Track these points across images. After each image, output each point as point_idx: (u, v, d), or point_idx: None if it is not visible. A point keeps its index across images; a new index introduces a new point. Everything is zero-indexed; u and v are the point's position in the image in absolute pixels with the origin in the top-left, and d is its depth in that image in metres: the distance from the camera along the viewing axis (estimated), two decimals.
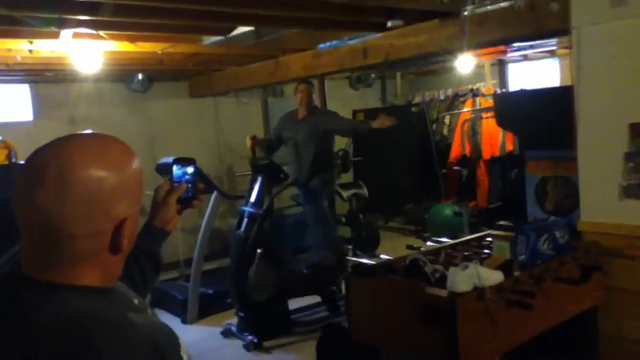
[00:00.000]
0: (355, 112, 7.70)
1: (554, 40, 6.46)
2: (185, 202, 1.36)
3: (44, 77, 5.37)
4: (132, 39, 3.76)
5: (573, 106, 3.12)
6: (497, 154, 6.57)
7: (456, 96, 7.48)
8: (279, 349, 4.02)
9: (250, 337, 4.04)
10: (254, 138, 4.72)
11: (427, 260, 2.67)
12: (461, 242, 3.29)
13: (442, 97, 7.66)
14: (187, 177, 1.39)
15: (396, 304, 2.54)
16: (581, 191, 3.17)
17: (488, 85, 7.06)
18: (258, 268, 4.06)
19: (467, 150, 7.01)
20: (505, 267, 2.58)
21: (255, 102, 7.23)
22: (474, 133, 7.03)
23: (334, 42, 4.58)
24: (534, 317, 2.52)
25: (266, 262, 4.10)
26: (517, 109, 3.75)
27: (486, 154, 6.84)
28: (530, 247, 2.71)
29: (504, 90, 7.15)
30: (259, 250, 4.08)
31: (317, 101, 4.79)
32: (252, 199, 4.19)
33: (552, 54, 7.31)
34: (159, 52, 4.27)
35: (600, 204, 3.10)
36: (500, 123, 4.14)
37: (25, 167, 0.90)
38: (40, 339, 0.82)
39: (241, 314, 4.19)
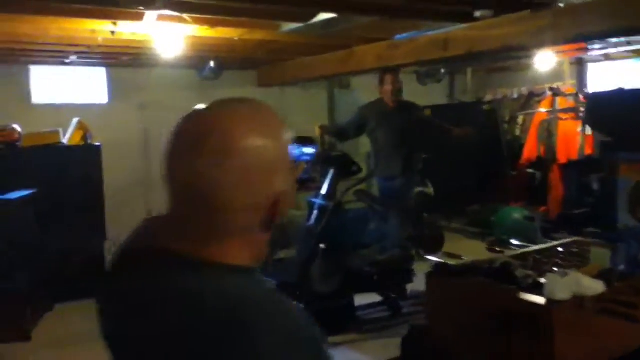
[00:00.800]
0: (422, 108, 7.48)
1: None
2: (301, 184, 1.27)
3: (120, 62, 5.46)
4: (213, 24, 3.74)
5: None
6: (574, 157, 6.24)
7: (531, 95, 7.16)
8: (344, 345, 3.93)
9: None
10: (322, 127, 4.65)
11: (518, 265, 2.52)
12: (547, 248, 3.09)
13: (515, 96, 7.35)
14: (305, 157, 1.29)
15: (481, 308, 2.40)
16: None
17: (567, 85, 6.72)
18: (324, 260, 3.98)
19: (542, 153, 6.71)
20: (603, 277, 2.39)
21: (321, 93, 7.15)
22: (549, 135, 6.70)
23: (412, 33, 4.43)
24: (634, 330, 2.33)
25: (332, 255, 4.02)
26: (611, 109, 3.51)
27: (561, 158, 6.51)
28: (630, 257, 2.51)
29: (585, 89, 6.78)
30: (321, 246, 4.00)
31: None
32: (323, 191, 4.11)
33: (637, 53, 6.88)
34: (236, 38, 4.24)
35: None
36: (591, 124, 3.89)
37: (181, 132, 0.84)
38: (193, 321, 0.76)
39: (305, 307, 4.13)
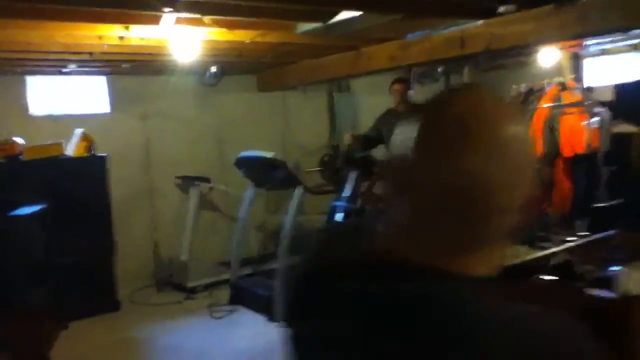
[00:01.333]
0: None
1: (638, 32, 6.14)
2: None
3: (121, 69, 5.30)
4: (231, 26, 3.62)
5: None
6: (580, 151, 6.23)
7: (530, 91, 7.16)
8: None
9: None
10: (354, 136, 4.67)
11: (576, 261, 2.45)
12: (590, 241, 3.04)
13: (513, 93, 7.34)
14: None
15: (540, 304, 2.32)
16: None
17: (568, 80, 6.72)
18: None
19: (545, 148, 6.69)
20: None
21: (321, 97, 7.06)
22: (551, 130, 6.71)
23: (426, 31, 4.36)
24: None
25: None
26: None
27: (566, 152, 6.51)
28: None
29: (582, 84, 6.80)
30: None
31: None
32: (346, 193, 4.02)
33: (635, 47, 6.94)
34: (247, 41, 4.12)
35: None
36: (620, 114, 3.86)
37: (433, 124, 0.72)
38: (444, 335, 0.66)
39: None
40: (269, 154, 4.63)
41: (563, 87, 5.73)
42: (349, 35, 4.23)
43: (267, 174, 4.77)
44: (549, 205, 6.79)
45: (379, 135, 4.76)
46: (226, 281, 5.45)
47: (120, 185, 5.29)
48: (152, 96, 5.81)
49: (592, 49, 7.05)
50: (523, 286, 2.42)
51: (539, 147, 6.74)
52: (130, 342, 4.40)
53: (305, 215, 6.35)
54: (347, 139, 4.53)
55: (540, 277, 2.44)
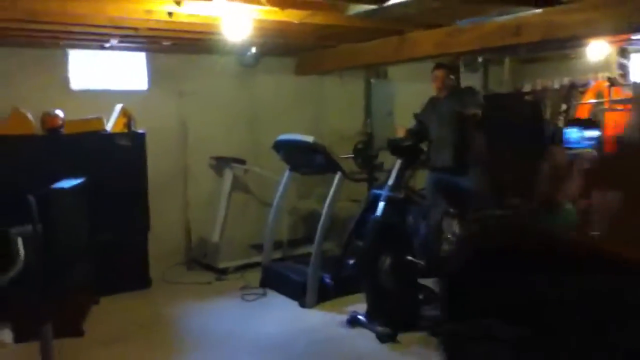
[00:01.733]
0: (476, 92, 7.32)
1: None
2: None
3: (161, 47, 5.25)
4: (284, 5, 3.54)
5: None
6: None
7: (573, 86, 6.98)
8: (416, 344, 3.77)
9: (381, 328, 3.81)
10: (409, 130, 4.54)
11: None
12: None
13: (556, 86, 7.17)
14: (586, 142, 1.10)
15: None
16: None
17: (614, 75, 6.52)
18: (391, 255, 3.82)
19: None
20: None
21: (359, 82, 6.95)
22: None
23: (478, 18, 4.23)
24: None
25: (401, 250, 3.86)
26: None
27: (607, 149, 6.34)
28: None
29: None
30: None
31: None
32: (390, 181, 3.93)
33: None
34: (296, 22, 4.03)
35: None
36: None
37: None
38: None
39: (372, 303, 3.96)
40: (309, 138, 4.55)
41: (612, 82, 5.53)
42: (398, 19, 4.11)
43: (306, 159, 4.70)
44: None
45: (424, 127, 4.63)
46: (256, 264, 5.43)
47: (155, 163, 5.28)
48: (190, 75, 5.77)
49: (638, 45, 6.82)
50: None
51: None
52: (161, 320, 4.41)
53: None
54: (400, 132, 4.41)
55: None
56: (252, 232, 5.91)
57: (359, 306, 4.16)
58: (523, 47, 5.49)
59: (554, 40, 3.90)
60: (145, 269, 5.08)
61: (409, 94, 5.92)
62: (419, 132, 4.37)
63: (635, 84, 5.12)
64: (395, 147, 4.09)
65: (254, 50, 5.59)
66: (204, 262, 5.70)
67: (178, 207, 5.87)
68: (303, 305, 4.50)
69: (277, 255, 5.57)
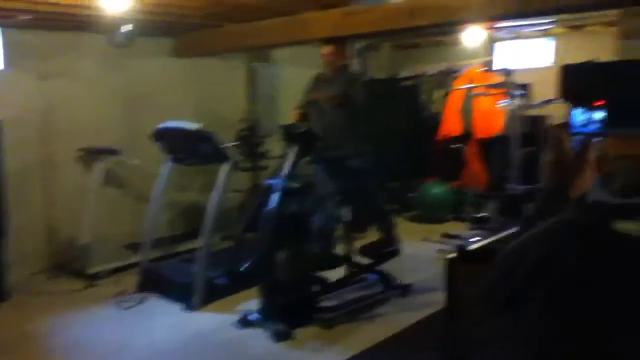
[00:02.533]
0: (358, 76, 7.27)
1: (549, 19, 6.34)
2: None
3: (18, 21, 4.50)
4: None
5: None
6: (494, 133, 6.34)
7: (448, 72, 7.23)
8: (311, 339, 3.59)
9: (277, 326, 3.58)
10: (303, 114, 4.25)
11: None
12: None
13: (432, 72, 7.39)
14: (593, 125, 0.94)
15: None
16: None
17: (484, 61, 6.83)
18: (288, 248, 3.60)
19: (458, 129, 6.79)
20: None
21: (241, 66, 6.60)
22: (465, 111, 6.81)
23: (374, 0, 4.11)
24: None
25: (297, 241, 3.65)
26: (585, 83, 3.48)
27: (479, 133, 6.63)
28: None
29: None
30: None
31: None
32: (285, 171, 3.69)
33: (546, 33, 7.19)
34: None
35: None
36: (567, 97, 3.86)
37: None
38: None
39: (267, 300, 3.71)
40: (195, 125, 4.16)
41: (488, 68, 5.75)
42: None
43: (191, 148, 4.30)
44: (462, 184, 6.95)
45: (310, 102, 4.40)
46: (133, 266, 4.91)
47: (13, 154, 4.56)
48: (55, 55, 5.05)
49: (504, 33, 7.22)
50: None
51: (455, 128, 6.83)
52: (23, 339, 3.77)
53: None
54: (295, 116, 4.15)
55: None
56: (127, 231, 5.36)
57: (252, 304, 3.89)
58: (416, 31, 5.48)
59: (447, 23, 3.87)
60: (1, 279, 4.37)
61: (294, 78, 5.63)
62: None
63: (506, 69, 5.35)
64: (289, 133, 3.82)
65: (128, 28, 4.99)
66: (72, 268, 5.04)
67: (41, 206, 5.13)
68: (190, 308, 4.12)
69: (157, 254, 5.09)
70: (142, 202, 5.10)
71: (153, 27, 5.09)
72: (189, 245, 5.23)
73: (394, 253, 4.33)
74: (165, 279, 4.43)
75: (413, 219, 6.85)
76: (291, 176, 3.68)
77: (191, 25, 5.18)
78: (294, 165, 3.68)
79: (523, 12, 3.58)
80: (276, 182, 3.72)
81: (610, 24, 6.30)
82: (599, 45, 6.58)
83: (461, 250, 2.52)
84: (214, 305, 4.20)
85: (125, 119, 5.54)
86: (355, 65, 4.90)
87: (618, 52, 4.54)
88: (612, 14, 5.26)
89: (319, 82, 4.46)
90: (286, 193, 3.63)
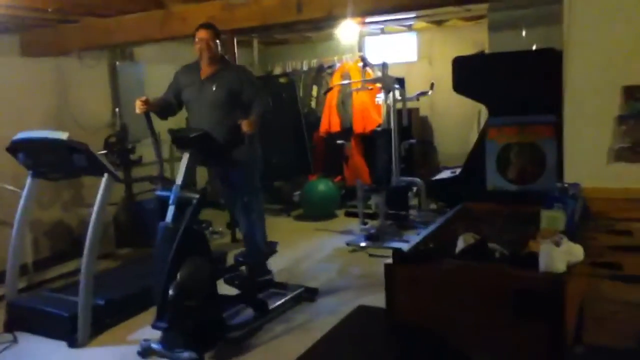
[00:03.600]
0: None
1: (412, 14, 6.59)
2: None
3: None
4: None
5: (560, 69, 3.05)
6: (372, 127, 6.43)
7: (321, 68, 7.21)
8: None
9: (185, 354, 3.23)
10: (146, 102, 3.66)
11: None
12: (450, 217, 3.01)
13: (305, 68, 7.32)
14: None
15: (467, 292, 2.14)
16: (566, 156, 3.13)
17: (356, 57, 6.90)
18: (190, 266, 3.26)
19: (338, 124, 6.81)
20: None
21: (102, 66, 5.99)
22: (344, 106, 6.84)
23: None
24: None
25: (198, 258, 3.32)
26: (477, 74, 3.59)
27: (358, 128, 6.70)
28: (569, 217, 2.54)
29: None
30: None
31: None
32: (178, 180, 3.32)
33: (409, 28, 7.46)
34: None
35: (587, 168, 3.09)
36: (458, 89, 3.93)
37: None
38: None
39: (166, 326, 3.32)
40: (62, 135, 3.60)
41: (365, 62, 5.79)
42: None
43: (59, 161, 3.73)
44: (345, 179, 6.99)
45: (177, 98, 3.88)
46: None
47: None
48: None
49: (373, 28, 7.38)
50: (434, 269, 2.22)
51: (335, 124, 6.84)
52: None
53: (83, 207, 5.34)
54: (138, 106, 3.57)
55: (456, 260, 2.25)
56: None
57: (148, 330, 3.47)
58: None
59: (334, 17, 3.77)
60: None
61: (161, 76, 5.09)
62: (159, 102, 3.73)
63: (384, 63, 5.42)
64: (179, 138, 3.43)
65: None
66: None
67: None
68: (73, 344, 3.59)
69: (21, 284, 4.40)
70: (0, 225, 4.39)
71: None
72: (61, 269, 4.65)
73: (269, 282, 4.10)
74: (39, 313, 3.82)
75: (299, 218, 6.73)
76: (186, 186, 3.34)
77: (42, 20, 4.53)
78: (188, 173, 3.34)
79: (406, 6, 3.60)
80: (169, 193, 3.34)
81: (471, 19, 6.71)
82: (459, 40, 6.98)
83: (398, 253, 2.42)
84: (103, 337, 3.70)
85: None
86: (234, 61, 4.54)
87: (488, 43, 4.79)
88: (476, 8, 5.54)
89: (188, 76, 3.87)
90: (181, 205, 3.28)
